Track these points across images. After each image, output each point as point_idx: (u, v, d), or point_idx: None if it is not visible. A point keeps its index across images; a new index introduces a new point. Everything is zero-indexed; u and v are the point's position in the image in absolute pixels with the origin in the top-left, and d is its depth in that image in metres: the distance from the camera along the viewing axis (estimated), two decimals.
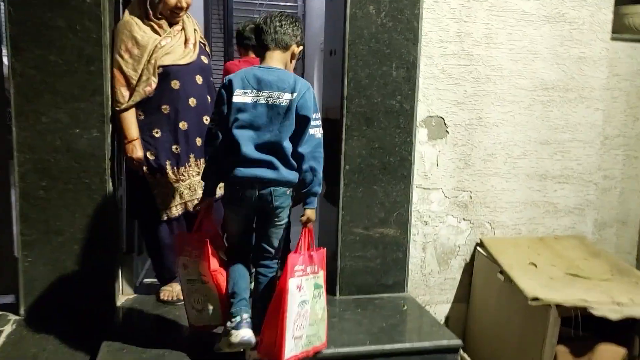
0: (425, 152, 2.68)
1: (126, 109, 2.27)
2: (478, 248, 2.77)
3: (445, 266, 2.78)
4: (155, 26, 2.29)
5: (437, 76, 2.64)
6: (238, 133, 1.81)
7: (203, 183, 2.01)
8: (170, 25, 2.36)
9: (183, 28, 2.41)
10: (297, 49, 1.92)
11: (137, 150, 2.28)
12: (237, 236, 1.96)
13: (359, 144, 2.52)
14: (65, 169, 2.24)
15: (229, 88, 1.82)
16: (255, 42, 1.99)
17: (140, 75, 2.23)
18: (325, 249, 1.95)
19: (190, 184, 2.40)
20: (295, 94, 1.80)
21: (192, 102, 2.38)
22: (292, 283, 1.79)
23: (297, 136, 1.82)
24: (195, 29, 2.49)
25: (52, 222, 2.25)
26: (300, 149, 1.83)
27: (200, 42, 2.46)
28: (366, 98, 2.50)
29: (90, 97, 2.23)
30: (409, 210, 2.61)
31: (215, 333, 1.98)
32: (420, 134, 2.65)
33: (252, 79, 1.82)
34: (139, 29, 2.26)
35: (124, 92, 2.25)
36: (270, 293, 1.86)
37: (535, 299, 2.26)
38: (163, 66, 2.27)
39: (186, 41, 2.40)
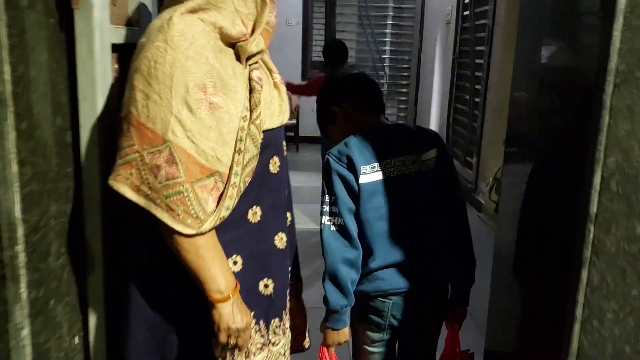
0: None
1: (207, 232, 0.98)
2: None
3: None
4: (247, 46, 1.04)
5: None
6: (371, 228, 1.36)
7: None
8: None
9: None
10: None
11: (238, 316, 1.04)
12: None
13: None
14: None
15: (352, 165, 1.35)
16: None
17: (241, 151, 0.98)
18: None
19: (285, 347, 1.22)
20: (434, 150, 1.40)
21: (286, 194, 1.23)
22: None
23: (443, 207, 1.42)
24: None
25: None
26: (453, 227, 1.44)
27: None
28: None
29: None
30: None
31: None
32: None
33: (372, 144, 1.38)
34: (221, 51, 0.99)
35: (202, 194, 0.95)
36: None
37: None
38: (264, 132, 1.08)
39: (271, 74, 1.16)
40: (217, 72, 0.94)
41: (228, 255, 1.07)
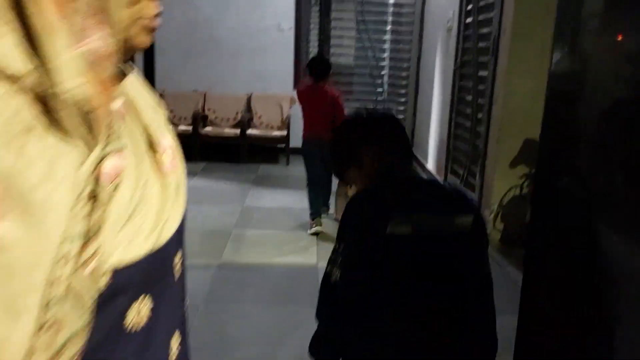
0: None
1: None
2: None
3: None
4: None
5: None
6: (386, 290, 1.22)
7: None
8: None
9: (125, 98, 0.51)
10: None
11: None
12: None
13: None
14: None
15: (384, 212, 1.23)
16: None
17: (50, 327, 0.41)
18: None
19: None
20: (472, 215, 1.26)
21: (174, 351, 0.57)
22: None
23: (469, 280, 1.25)
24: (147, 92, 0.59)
25: None
26: (477, 304, 1.26)
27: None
28: None
29: None
30: None
31: None
32: None
33: (407, 194, 1.30)
34: (29, 130, 0.38)
35: None
36: None
37: None
38: (114, 272, 0.46)
39: (154, 152, 0.53)
40: (7, 174, 0.39)
41: None
